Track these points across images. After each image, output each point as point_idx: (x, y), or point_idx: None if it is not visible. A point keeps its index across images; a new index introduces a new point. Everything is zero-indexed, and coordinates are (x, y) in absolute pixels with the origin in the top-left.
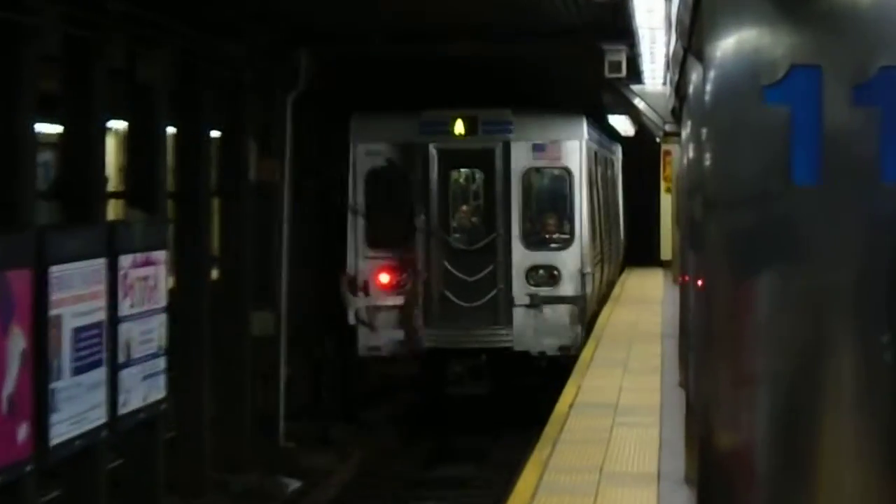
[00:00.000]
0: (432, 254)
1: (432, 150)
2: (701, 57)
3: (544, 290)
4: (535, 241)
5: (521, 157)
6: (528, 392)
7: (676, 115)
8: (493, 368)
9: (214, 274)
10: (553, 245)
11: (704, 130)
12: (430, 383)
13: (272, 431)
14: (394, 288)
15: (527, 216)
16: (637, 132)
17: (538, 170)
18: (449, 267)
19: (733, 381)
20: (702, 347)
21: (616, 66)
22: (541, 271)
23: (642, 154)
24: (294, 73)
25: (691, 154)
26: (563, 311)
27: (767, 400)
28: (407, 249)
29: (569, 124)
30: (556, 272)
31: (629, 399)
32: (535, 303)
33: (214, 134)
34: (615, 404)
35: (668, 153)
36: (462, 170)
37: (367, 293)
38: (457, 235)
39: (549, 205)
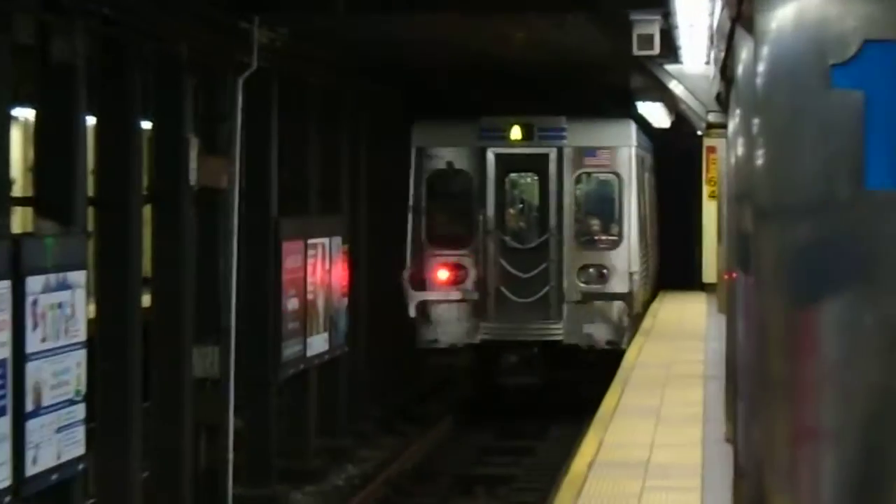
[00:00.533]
0: (489, 252)
1: (490, 155)
2: (752, 29)
3: (594, 288)
4: (585, 241)
5: (573, 162)
6: (575, 384)
7: (722, 101)
8: (545, 360)
9: (146, 300)
10: (602, 245)
11: (756, 121)
12: (485, 373)
13: (217, 497)
14: (452, 284)
15: (578, 217)
16: (673, 123)
17: (589, 174)
18: (505, 264)
19: (793, 435)
20: (754, 393)
21: (647, 41)
22: (591, 269)
23: (680, 151)
24: (245, 47)
25: (740, 150)
26: (611, 307)
27: (834, 459)
28: (465, 248)
29: (619, 130)
30: (605, 271)
31: (663, 457)
32: (586, 299)
33: (146, 125)
34: (645, 463)
35: (711, 150)
36: (513, 174)
37: (426, 288)
38: (511, 235)
39: (599, 207)
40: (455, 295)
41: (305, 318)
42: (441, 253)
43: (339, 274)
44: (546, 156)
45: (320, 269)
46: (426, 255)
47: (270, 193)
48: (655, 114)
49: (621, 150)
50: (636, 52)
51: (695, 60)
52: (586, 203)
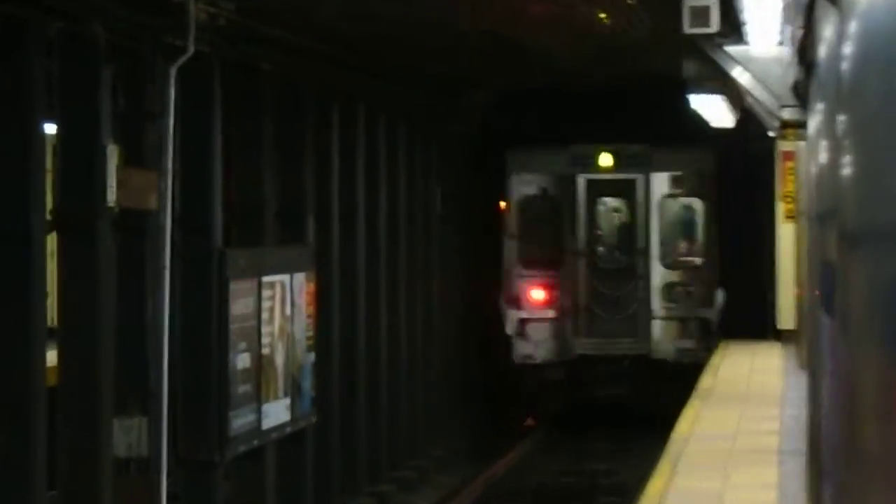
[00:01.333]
0: (580, 272)
1: (580, 180)
2: (837, 1)
3: (679, 305)
4: (670, 262)
5: (659, 187)
6: (658, 396)
7: (801, 93)
8: (633, 373)
9: (51, 357)
10: (687, 265)
11: (843, 118)
12: (578, 386)
13: None
14: (546, 303)
15: (663, 240)
16: (738, 122)
17: (674, 198)
18: (595, 284)
19: None
20: (843, 472)
21: (702, 16)
22: (676, 288)
23: (747, 158)
24: (179, 27)
25: (823, 157)
26: (695, 323)
27: None
28: (557, 268)
29: (701, 158)
30: (689, 290)
31: None
32: (671, 316)
33: (50, 129)
34: None
35: (788, 156)
36: (604, 199)
37: (521, 307)
38: (600, 257)
39: (683, 230)
40: (548, 314)
41: (260, 379)
42: (534, 274)
43: (304, 321)
44: (633, 181)
45: (279, 316)
46: (520, 276)
47: (213, 217)
48: (714, 110)
49: (703, 177)
50: (687, 29)
51: (765, 41)
52: (671, 226)
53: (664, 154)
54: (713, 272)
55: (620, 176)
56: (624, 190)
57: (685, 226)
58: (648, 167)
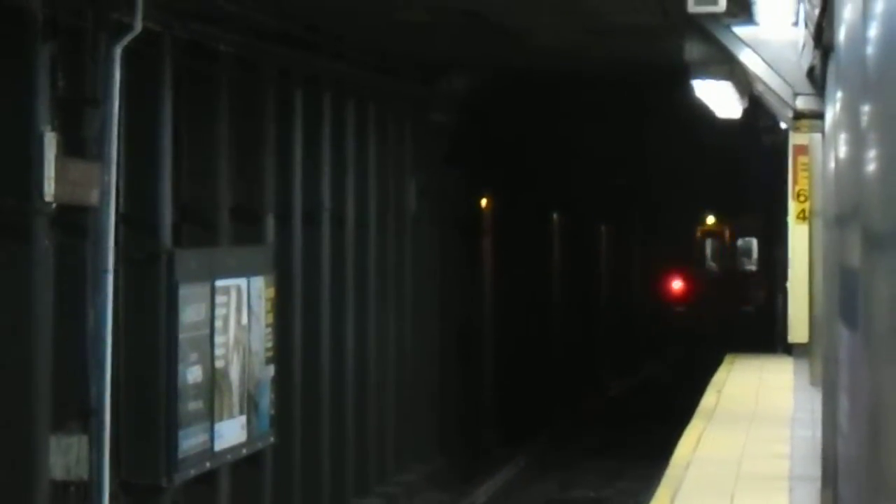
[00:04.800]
0: (701, 275)
1: (697, 229)
2: None
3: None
4: (742, 269)
5: (736, 232)
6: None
7: (817, 80)
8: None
9: None
10: (747, 271)
11: (866, 108)
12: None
13: None
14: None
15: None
16: (746, 112)
17: (743, 238)
18: (706, 281)
19: None
20: (864, 500)
21: None
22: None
23: (756, 151)
24: (126, 2)
25: (843, 151)
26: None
27: None
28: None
29: (753, 217)
30: (751, 282)
31: None
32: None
33: None
34: None
35: (801, 150)
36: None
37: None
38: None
39: (747, 252)
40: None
41: (213, 395)
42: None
43: (263, 330)
44: (724, 229)
45: (234, 324)
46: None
47: (162, 214)
48: (720, 98)
49: (754, 225)
50: (692, 8)
51: (777, 21)
52: (741, 251)
53: (737, 217)
54: (761, 274)
55: (717, 227)
56: (719, 233)
57: (747, 250)
58: (735, 222)
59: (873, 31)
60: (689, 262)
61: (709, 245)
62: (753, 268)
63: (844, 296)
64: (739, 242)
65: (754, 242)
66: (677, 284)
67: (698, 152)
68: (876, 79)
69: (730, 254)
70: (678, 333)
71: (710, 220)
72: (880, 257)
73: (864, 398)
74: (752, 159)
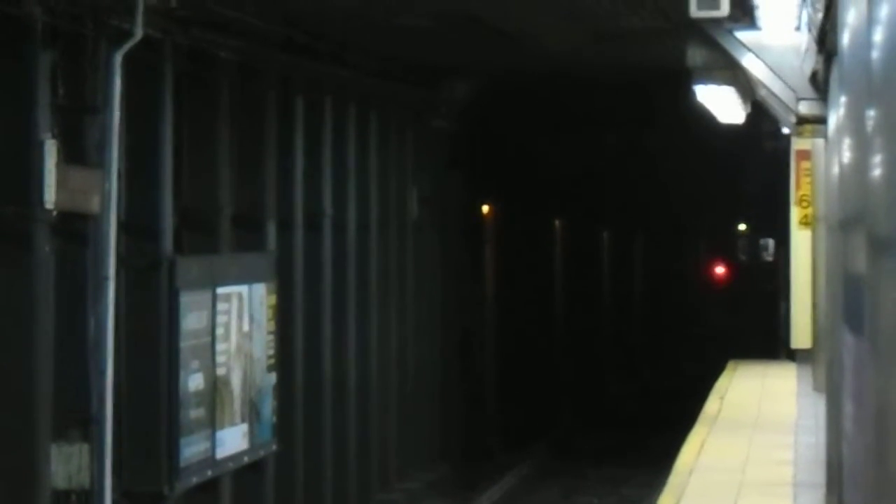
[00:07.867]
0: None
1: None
2: None
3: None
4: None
5: (757, 249)
6: None
7: (820, 85)
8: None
9: None
10: (766, 262)
11: (871, 113)
12: None
13: None
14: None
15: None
16: (749, 118)
17: (764, 256)
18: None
19: None
20: None
21: None
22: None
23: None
24: (125, 8)
25: (847, 156)
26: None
27: None
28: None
29: (770, 242)
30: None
31: None
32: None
33: None
34: None
35: (804, 155)
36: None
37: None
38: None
39: (765, 248)
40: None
41: (214, 402)
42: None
43: (264, 337)
44: (748, 231)
45: (236, 332)
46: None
47: (163, 221)
48: (722, 104)
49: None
50: (695, 13)
51: (780, 26)
52: (762, 246)
53: (756, 220)
54: (777, 266)
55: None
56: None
57: (766, 247)
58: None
59: (878, 36)
60: (725, 254)
61: (739, 243)
62: (770, 259)
63: (849, 301)
64: (760, 241)
65: (770, 241)
66: (720, 269)
67: (702, 156)
68: (881, 83)
69: (754, 249)
70: (713, 333)
71: (742, 226)
72: (886, 262)
73: (869, 402)
74: (755, 165)
